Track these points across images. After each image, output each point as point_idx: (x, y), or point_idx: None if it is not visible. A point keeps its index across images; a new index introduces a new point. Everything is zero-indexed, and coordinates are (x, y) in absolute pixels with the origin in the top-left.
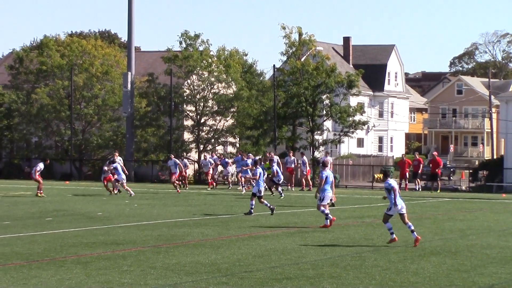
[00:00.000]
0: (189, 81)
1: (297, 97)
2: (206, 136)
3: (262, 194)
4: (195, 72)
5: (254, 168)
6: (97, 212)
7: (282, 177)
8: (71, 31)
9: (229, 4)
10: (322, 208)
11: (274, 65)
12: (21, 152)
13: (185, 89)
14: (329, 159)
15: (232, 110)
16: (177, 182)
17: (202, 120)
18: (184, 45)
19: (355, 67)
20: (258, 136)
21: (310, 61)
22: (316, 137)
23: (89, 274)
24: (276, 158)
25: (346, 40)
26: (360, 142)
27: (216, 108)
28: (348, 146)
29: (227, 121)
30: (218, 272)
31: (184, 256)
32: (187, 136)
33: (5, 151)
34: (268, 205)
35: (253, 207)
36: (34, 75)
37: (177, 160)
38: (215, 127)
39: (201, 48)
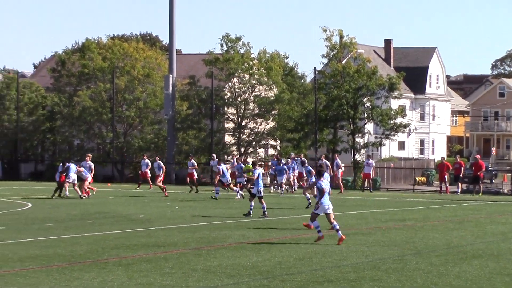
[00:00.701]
0: (230, 83)
1: (338, 99)
2: (247, 138)
3: (262, 194)
4: (236, 74)
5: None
6: (139, 214)
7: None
8: (113, 34)
9: (270, 7)
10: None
11: (315, 67)
12: (63, 154)
13: (226, 92)
14: (326, 162)
15: (273, 112)
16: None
17: (243, 123)
18: (225, 47)
19: (396, 70)
20: (299, 138)
21: (351, 64)
22: (357, 139)
23: (131, 276)
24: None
25: (387, 42)
26: (402, 145)
27: (257, 111)
28: (389, 149)
29: (268, 123)
30: (259, 275)
31: (225, 259)
32: (228, 138)
33: (48, 154)
34: (265, 208)
35: (252, 208)
36: (76, 77)
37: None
38: (256, 130)
39: (242, 51)
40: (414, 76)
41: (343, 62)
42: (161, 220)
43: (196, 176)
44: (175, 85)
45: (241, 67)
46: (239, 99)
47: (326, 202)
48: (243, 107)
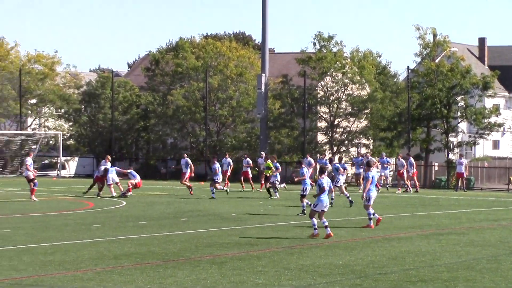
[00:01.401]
0: (322, 82)
1: (431, 98)
2: (339, 137)
3: (304, 193)
4: (328, 73)
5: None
6: (232, 213)
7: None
8: (206, 33)
9: (363, 5)
10: (370, 209)
11: (408, 66)
12: (157, 153)
13: (318, 91)
14: (374, 160)
15: (365, 111)
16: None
17: (336, 122)
18: (318, 46)
19: (491, 68)
20: (392, 138)
21: (445, 62)
22: (451, 139)
23: (224, 274)
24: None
25: (481, 41)
26: (496, 144)
27: (350, 110)
28: (483, 148)
29: (360, 122)
30: (351, 274)
31: (318, 258)
32: (320, 137)
33: (142, 152)
34: (304, 207)
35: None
36: (170, 77)
37: (311, 160)
38: (348, 129)
39: (335, 50)
40: (509, 75)
41: (437, 60)
42: (254, 219)
43: (250, 175)
44: (267, 84)
45: (333, 66)
46: (331, 98)
47: (325, 199)
48: (335, 106)
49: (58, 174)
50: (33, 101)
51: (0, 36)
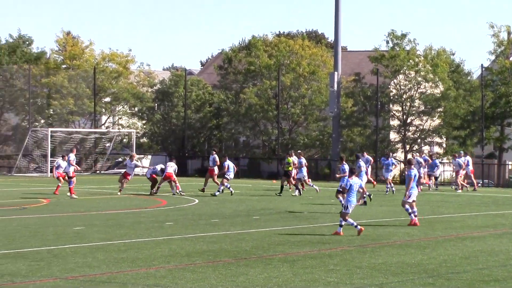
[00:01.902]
0: (395, 80)
1: (505, 96)
2: (412, 136)
3: (340, 188)
4: (401, 71)
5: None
6: (303, 211)
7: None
8: (279, 31)
9: (436, 3)
10: (407, 206)
11: (481, 64)
12: (229, 151)
13: (391, 89)
14: (416, 158)
15: (438, 110)
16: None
17: (408, 120)
18: (390, 44)
19: None
20: (465, 136)
21: None
22: None
23: (296, 273)
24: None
25: None
26: None
27: (423, 108)
28: None
29: (433, 121)
30: (424, 273)
31: (390, 256)
32: (393, 136)
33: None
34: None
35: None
36: (243, 75)
37: (369, 157)
38: (421, 127)
39: (408, 48)
40: None
41: (511, 58)
42: (325, 217)
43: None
44: (340, 82)
45: (406, 64)
46: (404, 96)
47: (354, 200)
48: (408, 104)
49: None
50: (107, 99)
51: (75, 35)
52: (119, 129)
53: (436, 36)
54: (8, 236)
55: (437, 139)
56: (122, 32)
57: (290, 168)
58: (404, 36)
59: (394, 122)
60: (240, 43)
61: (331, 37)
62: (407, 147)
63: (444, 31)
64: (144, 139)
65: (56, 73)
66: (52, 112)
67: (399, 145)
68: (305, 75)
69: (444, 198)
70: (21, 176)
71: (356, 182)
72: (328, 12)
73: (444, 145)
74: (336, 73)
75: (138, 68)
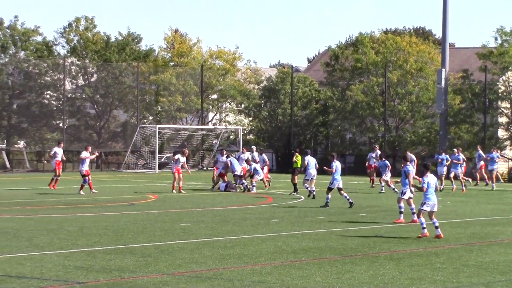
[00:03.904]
0: (504, 77)
1: None
2: None
3: (331, 186)
4: (510, 68)
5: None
6: (409, 208)
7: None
8: (386, 28)
9: None
10: (401, 203)
11: None
12: (336, 148)
13: (500, 86)
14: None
15: None
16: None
17: None
18: (499, 41)
19: None
20: None
21: None
22: None
23: (402, 271)
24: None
25: None
26: None
27: None
28: None
29: None
30: None
31: (497, 255)
32: (501, 133)
33: (320, 147)
34: (347, 198)
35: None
36: (349, 72)
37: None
38: None
39: None
40: None
41: None
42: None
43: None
44: (447, 79)
45: None
46: None
47: (433, 198)
48: None
49: None
50: (214, 96)
51: (183, 33)
52: (226, 126)
53: None
54: (117, 232)
55: None
56: (229, 29)
57: (297, 166)
58: None
59: (503, 119)
60: (347, 40)
61: (438, 34)
62: None
63: None
64: (251, 136)
65: (164, 70)
66: (160, 109)
67: (508, 142)
68: (412, 72)
69: None
70: (130, 172)
71: (430, 180)
72: (436, 9)
73: None
74: (443, 70)
75: (245, 65)
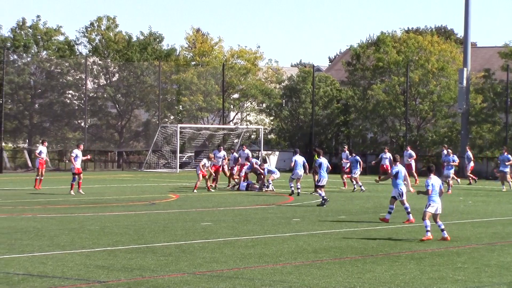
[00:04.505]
0: None
1: None
2: None
3: (319, 184)
4: None
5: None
6: None
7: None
8: (407, 27)
9: None
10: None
11: None
12: (357, 147)
13: None
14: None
15: None
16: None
17: None
18: None
19: None
20: None
21: None
22: None
23: (423, 270)
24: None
25: None
26: None
27: None
28: None
29: None
30: None
31: None
32: None
33: (341, 147)
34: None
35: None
36: (371, 71)
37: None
38: None
39: None
40: None
41: None
42: (454, 214)
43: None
44: (469, 79)
45: None
46: None
47: (437, 200)
48: None
49: None
50: (236, 95)
51: (204, 32)
52: (247, 125)
53: None
54: (138, 231)
55: None
56: (251, 29)
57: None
58: None
59: None
60: (368, 39)
61: (460, 33)
62: None
63: None
64: (272, 135)
65: (185, 69)
66: (181, 108)
67: None
68: (433, 71)
69: None
70: (151, 171)
71: (436, 182)
72: (458, 8)
73: None
74: (465, 69)
75: (267, 65)
